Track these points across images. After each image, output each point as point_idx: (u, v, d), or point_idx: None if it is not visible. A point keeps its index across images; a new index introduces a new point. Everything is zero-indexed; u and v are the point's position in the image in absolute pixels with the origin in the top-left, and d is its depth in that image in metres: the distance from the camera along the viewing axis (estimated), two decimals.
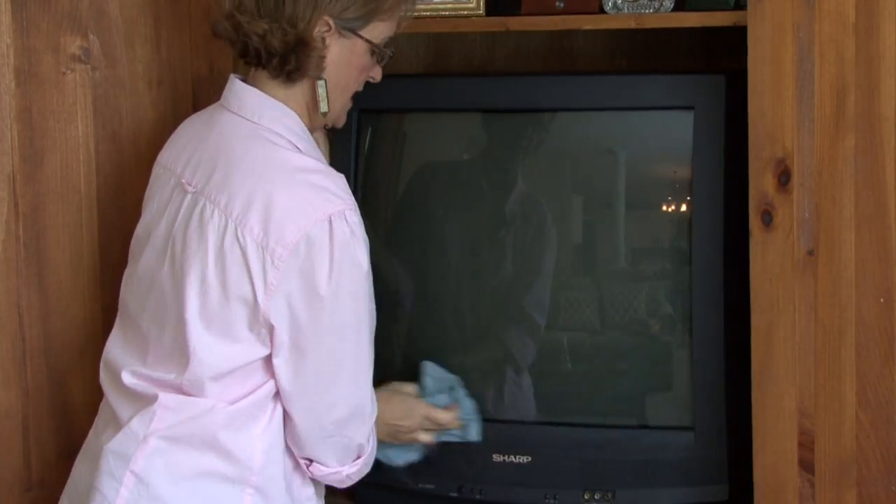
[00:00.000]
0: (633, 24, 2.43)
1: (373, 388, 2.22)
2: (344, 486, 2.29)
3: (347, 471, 2.25)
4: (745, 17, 2.23)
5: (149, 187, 2.32)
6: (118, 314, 2.33)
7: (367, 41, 2.22)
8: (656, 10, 2.43)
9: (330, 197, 2.11)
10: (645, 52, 2.74)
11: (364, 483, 2.60)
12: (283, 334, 2.11)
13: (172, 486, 2.13)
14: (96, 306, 2.61)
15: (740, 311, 2.29)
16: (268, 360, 2.15)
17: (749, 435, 2.27)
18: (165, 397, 2.15)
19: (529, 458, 2.48)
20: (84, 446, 2.30)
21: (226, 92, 2.26)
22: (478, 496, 2.51)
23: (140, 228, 2.30)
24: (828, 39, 2.19)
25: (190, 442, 2.14)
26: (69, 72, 2.59)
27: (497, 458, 2.50)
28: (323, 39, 2.18)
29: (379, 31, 2.23)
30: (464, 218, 2.57)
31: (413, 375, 2.47)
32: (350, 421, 2.19)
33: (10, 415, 2.58)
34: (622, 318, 2.49)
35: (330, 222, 2.09)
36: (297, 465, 2.23)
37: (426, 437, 2.42)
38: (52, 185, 2.59)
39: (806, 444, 2.24)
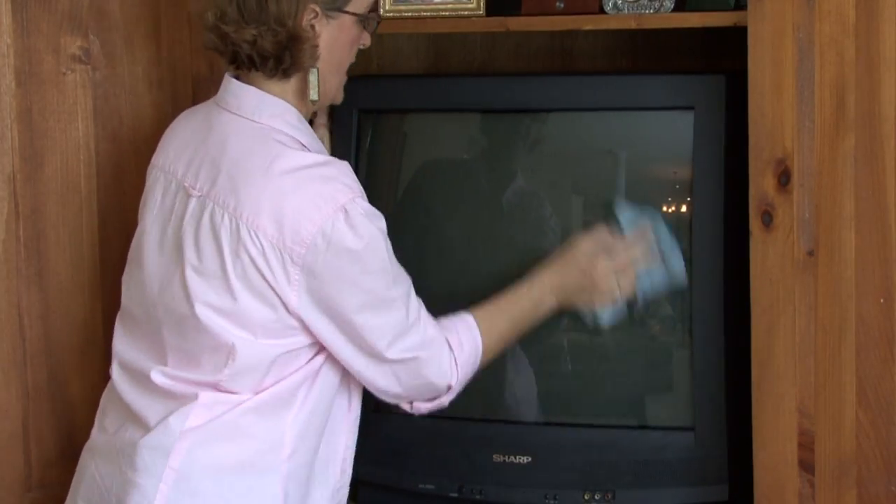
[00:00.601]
0: (633, 25, 2.43)
1: (416, 305, 2.23)
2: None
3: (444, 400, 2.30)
4: (745, 17, 2.23)
5: (146, 192, 2.31)
6: (121, 317, 2.32)
7: (354, 14, 2.22)
8: (656, 11, 2.43)
9: (339, 187, 2.12)
10: (645, 53, 2.74)
11: (365, 483, 2.60)
12: (319, 323, 2.14)
13: (210, 481, 2.15)
14: (96, 306, 2.61)
15: (740, 311, 2.29)
16: (304, 348, 2.17)
17: (749, 435, 2.27)
18: (204, 395, 2.16)
19: (529, 459, 2.48)
20: (89, 445, 2.30)
21: (222, 91, 2.25)
22: (478, 496, 2.51)
23: (140, 233, 2.28)
24: (828, 39, 2.19)
25: (225, 435, 2.16)
26: (69, 72, 2.59)
27: (497, 458, 2.50)
28: (312, 27, 2.18)
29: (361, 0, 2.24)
30: (464, 218, 2.57)
31: None
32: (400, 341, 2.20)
33: (10, 415, 2.58)
34: (622, 318, 2.49)
35: (345, 210, 2.10)
36: (330, 454, 2.27)
37: (624, 285, 2.36)
38: (52, 185, 2.59)
39: (806, 444, 2.24)
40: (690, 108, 2.39)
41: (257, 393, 2.17)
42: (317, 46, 2.19)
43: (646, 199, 2.48)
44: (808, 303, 2.22)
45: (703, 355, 2.39)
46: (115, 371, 2.29)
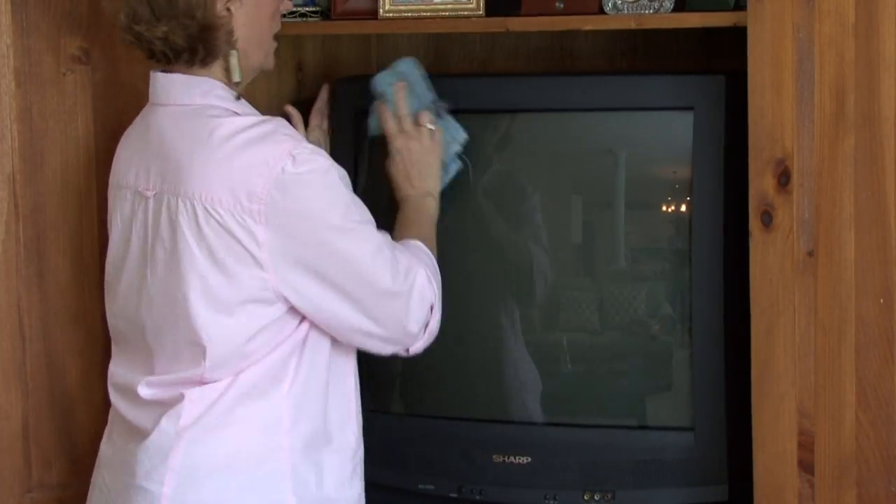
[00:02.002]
0: (633, 25, 2.43)
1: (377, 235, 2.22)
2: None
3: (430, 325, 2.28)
4: (745, 18, 2.23)
5: (108, 215, 2.31)
6: (113, 341, 2.32)
7: None
8: (656, 11, 2.43)
9: (281, 138, 2.13)
10: (645, 53, 2.74)
11: (365, 483, 2.60)
12: (297, 277, 2.13)
13: (212, 476, 2.14)
14: (96, 306, 2.60)
15: (740, 311, 2.29)
16: (284, 318, 2.16)
17: (749, 435, 2.27)
18: (190, 393, 2.16)
19: (529, 459, 2.48)
20: (99, 459, 2.30)
21: (151, 89, 2.25)
22: (478, 496, 2.51)
23: (111, 254, 2.28)
24: (828, 40, 2.19)
25: (219, 427, 2.15)
26: (69, 72, 2.59)
27: (497, 458, 2.50)
28: (228, 10, 2.18)
29: None
30: (463, 218, 2.57)
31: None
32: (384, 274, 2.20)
33: (10, 415, 2.58)
34: (622, 319, 2.49)
35: (291, 156, 2.11)
36: (341, 418, 2.25)
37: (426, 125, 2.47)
38: (52, 185, 2.59)
39: (806, 445, 2.24)
40: (690, 108, 2.39)
41: (239, 374, 2.15)
42: (232, 31, 2.19)
43: (646, 198, 2.48)
44: (808, 303, 2.22)
45: (703, 355, 2.39)
46: (111, 394, 2.30)
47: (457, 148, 2.49)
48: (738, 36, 2.25)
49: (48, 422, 2.60)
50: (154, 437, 2.16)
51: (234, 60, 2.21)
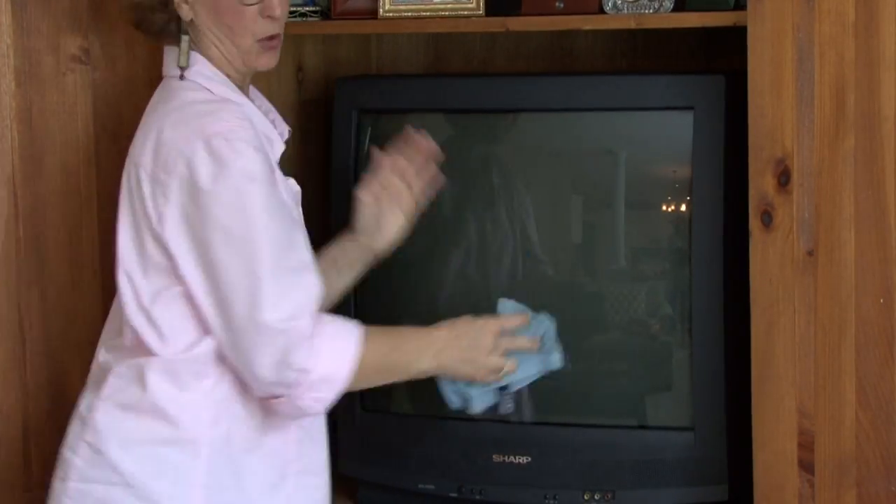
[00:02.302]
0: (633, 25, 2.43)
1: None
2: (310, 411, 2.13)
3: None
4: (745, 17, 2.23)
5: None
6: None
7: None
8: (656, 11, 2.43)
9: (210, 121, 2.09)
10: (645, 52, 2.74)
11: (365, 483, 2.60)
12: (185, 254, 2.09)
13: (124, 453, 2.11)
14: (96, 306, 2.61)
15: (740, 311, 2.29)
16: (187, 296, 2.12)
17: (749, 435, 2.27)
18: (118, 365, 2.15)
19: (529, 459, 2.49)
20: None
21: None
22: (478, 496, 2.51)
23: None
24: (828, 40, 2.19)
25: (137, 408, 2.12)
26: (69, 72, 2.59)
27: (497, 458, 2.50)
28: (185, 2, 2.17)
29: None
30: (463, 218, 2.57)
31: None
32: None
33: (10, 415, 2.58)
34: (622, 318, 2.49)
35: (209, 141, 2.06)
36: (253, 435, 2.16)
37: (506, 364, 2.21)
38: (52, 185, 2.59)
39: (806, 444, 2.24)
40: (690, 108, 2.39)
41: (170, 357, 2.12)
42: (183, 16, 2.17)
43: (646, 198, 2.48)
44: (808, 303, 2.22)
45: (703, 355, 2.39)
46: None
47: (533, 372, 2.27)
48: (738, 36, 2.25)
49: (48, 422, 2.60)
50: (79, 407, 2.17)
51: (184, 45, 2.18)
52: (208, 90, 2.17)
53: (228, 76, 2.19)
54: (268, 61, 2.21)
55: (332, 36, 2.89)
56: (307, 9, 2.66)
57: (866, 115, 2.18)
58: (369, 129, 2.60)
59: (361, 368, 2.10)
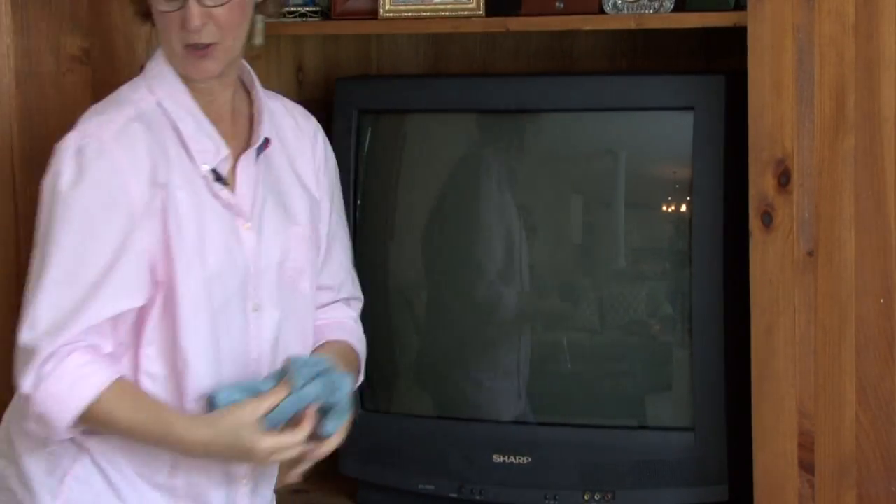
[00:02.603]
0: (633, 25, 2.43)
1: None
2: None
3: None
4: (745, 18, 2.23)
5: None
6: None
7: None
8: (656, 11, 2.43)
9: (80, 124, 2.06)
10: (645, 53, 2.74)
11: (365, 483, 2.60)
12: None
13: (26, 455, 2.08)
14: None
15: (740, 311, 2.29)
16: None
17: (749, 435, 2.27)
18: None
19: (529, 459, 2.48)
20: None
21: None
22: (478, 496, 2.51)
23: None
24: (828, 40, 2.19)
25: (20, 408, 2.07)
26: (69, 72, 2.59)
27: (497, 458, 2.50)
28: None
29: None
30: (463, 218, 2.57)
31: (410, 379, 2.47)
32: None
33: None
34: (622, 318, 2.49)
35: (54, 152, 2.03)
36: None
37: (279, 441, 1.99)
38: None
39: (806, 445, 2.24)
40: (690, 108, 2.40)
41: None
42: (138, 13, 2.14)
43: (646, 198, 2.48)
44: (808, 303, 2.22)
45: (703, 355, 2.39)
46: None
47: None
48: (738, 36, 2.25)
49: None
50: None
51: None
52: (146, 89, 2.10)
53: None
54: (197, 71, 2.07)
55: (332, 36, 2.89)
56: (307, 9, 2.66)
57: (866, 115, 2.18)
58: (369, 129, 2.60)
59: (96, 420, 2.00)
